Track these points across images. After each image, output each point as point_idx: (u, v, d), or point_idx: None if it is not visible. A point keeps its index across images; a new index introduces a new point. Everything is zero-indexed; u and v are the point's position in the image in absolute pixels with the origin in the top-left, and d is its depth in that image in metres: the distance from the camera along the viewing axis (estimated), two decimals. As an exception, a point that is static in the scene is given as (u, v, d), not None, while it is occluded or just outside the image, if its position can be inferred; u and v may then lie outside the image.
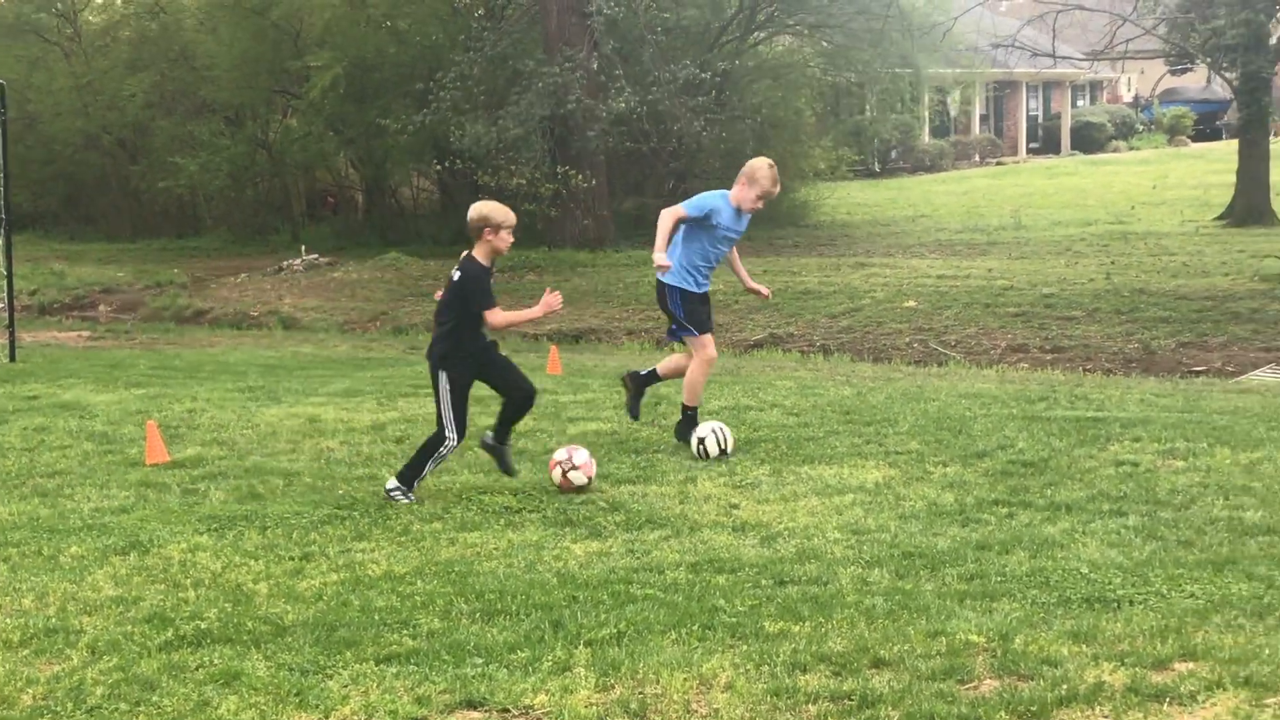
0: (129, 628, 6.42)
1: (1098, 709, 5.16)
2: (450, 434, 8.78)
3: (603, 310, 22.10)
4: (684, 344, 10.61)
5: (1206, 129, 57.34)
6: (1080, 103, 62.35)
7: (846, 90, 37.24)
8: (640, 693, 5.47)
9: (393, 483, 8.85)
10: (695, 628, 6.19)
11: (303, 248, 29.89)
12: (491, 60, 28.83)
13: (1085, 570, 6.90)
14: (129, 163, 37.88)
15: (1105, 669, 5.52)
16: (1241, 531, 7.60)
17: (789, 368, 16.19)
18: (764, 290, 11.26)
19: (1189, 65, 39.50)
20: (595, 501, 8.64)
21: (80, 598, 6.91)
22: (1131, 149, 56.20)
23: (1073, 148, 57.17)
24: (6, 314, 17.70)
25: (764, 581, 6.89)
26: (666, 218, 9.99)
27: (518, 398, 9.18)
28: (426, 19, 31.19)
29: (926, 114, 50.17)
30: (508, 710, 5.40)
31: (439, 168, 31.12)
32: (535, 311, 9.02)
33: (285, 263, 28.64)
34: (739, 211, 10.31)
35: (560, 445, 9.60)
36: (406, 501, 8.69)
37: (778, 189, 10.48)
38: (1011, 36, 34.42)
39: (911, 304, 20.84)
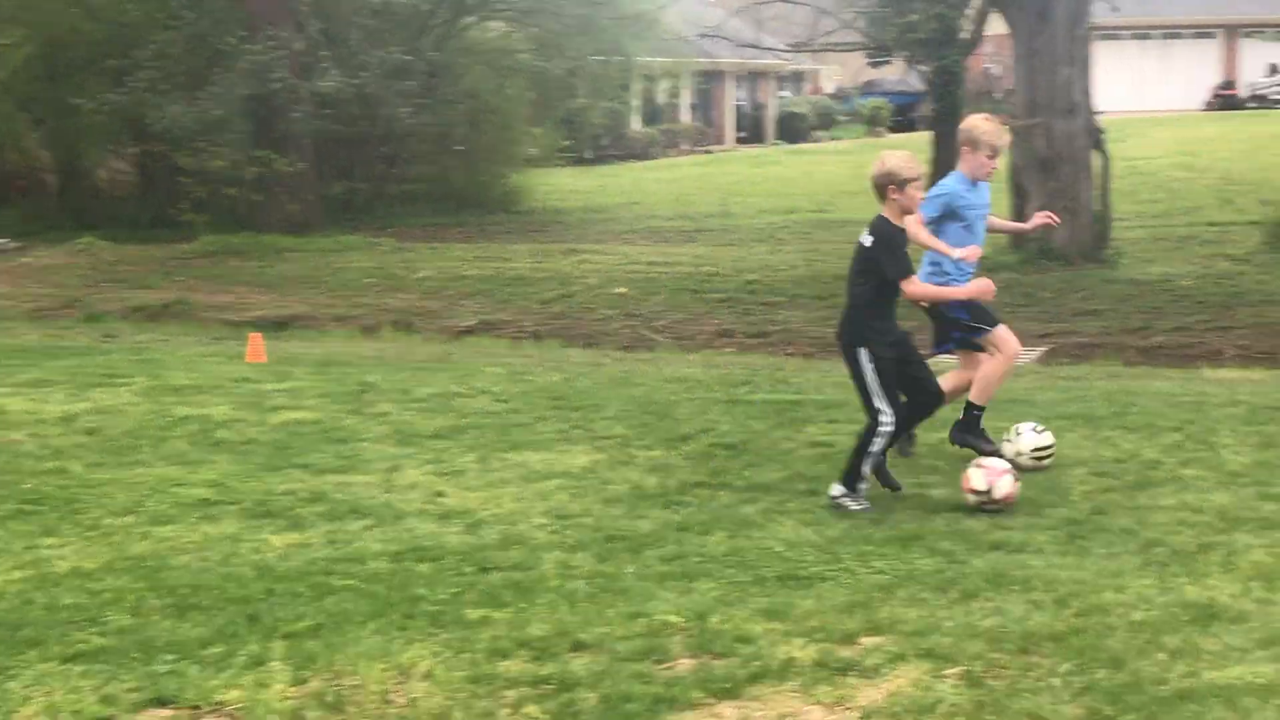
0: None
1: (787, 684, 5.30)
2: (886, 414, 7.88)
3: (309, 296, 21.70)
4: (965, 353, 9.31)
5: (904, 120, 59.40)
6: (785, 93, 63.96)
7: (558, 77, 37.34)
8: (337, 685, 5.39)
9: (837, 489, 7.94)
10: (396, 617, 6.13)
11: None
12: (191, 39, 28.03)
13: (780, 549, 7.08)
14: None
15: (796, 645, 5.68)
16: (928, 508, 7.90)
17: (499, 354, 16.17)
18: (1046, 218, 10.07)
19: (887, 58, 40.88)
20: (296, 492, 8.47)
21: None
22: (833, 139, 57.87)
23: (778, 137, 58.59)
24: None
25: (467, 569, 6.87)
26: (921, 231, 8.61)
27: (922, 400, 8.32)
28: (122, -5, 30.14)
29: (637, 102, 50.72)
30: (198, 707, 5.25)
31: (137, 149, 30.07)
32: (966, 290, 8.42)
33: (-17, 249, 27.32)
34: (974, 183, 9.03)
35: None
36: (858, 509, 7.80)
37: (1006, 137, 9.17)
38: (717, 27, 35.16)
39: (622, 290, 21.07)
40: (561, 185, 38.90)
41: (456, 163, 34.93)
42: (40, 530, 7.72)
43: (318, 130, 28.29)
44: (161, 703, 5.30)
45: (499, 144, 34.79)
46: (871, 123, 59.41)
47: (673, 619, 6.01)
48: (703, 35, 37.72)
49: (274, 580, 6.70)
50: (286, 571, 6.85)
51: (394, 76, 28.71)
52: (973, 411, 9.05)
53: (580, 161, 45.92)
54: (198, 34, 28.12)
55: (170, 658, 5.70)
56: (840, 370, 14.24)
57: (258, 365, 14.06)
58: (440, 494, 8.43)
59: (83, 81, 29.98)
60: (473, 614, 6.14)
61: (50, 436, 10.28)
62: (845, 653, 5.62)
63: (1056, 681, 5.25)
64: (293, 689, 5.37)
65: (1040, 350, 16.34)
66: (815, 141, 57.13)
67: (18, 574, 6.89)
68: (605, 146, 50.10)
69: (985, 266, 21.10)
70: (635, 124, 52.59)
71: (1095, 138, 21.48)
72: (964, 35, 33.44)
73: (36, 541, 7.49)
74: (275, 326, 19.40)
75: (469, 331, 19.10)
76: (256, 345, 14.78)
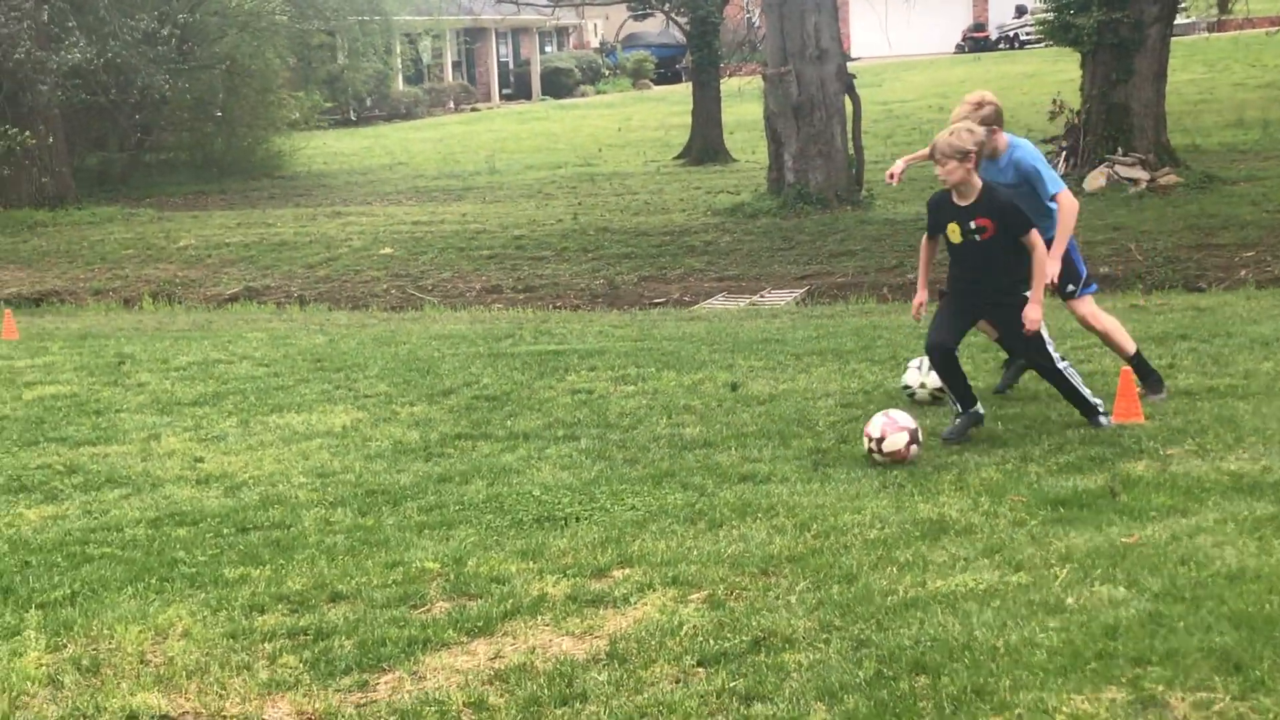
0: None
1: (540, 618, 5.49)
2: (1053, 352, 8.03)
3: (66, 270, 21.15)
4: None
5: (668, 73, 60.05)
6: (549, 49, 64.04)
7: (318, 40, 36.85)
8: (94, 649, 5.42)
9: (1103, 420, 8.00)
10: (154, 581, 6.16)
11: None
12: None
13: (538, 493, 7.27)
14: None
15: (549, 582, 5.88)
16: (681, 446, 8.17)
17: (263, 320, 16.04)
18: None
19: (648, 10, 41.19)
20: (52, 466, 8.38)
21: None
22: (599, 93, 58.21)
23: (544, 93, 58.67)
24: None
25: (226, 530, 6.91)
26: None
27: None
28: None
29: (400, 62, 50.29)
30: (-49, 680, 5.23)
31: None
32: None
33: None
34: (988, 165, 8.40)
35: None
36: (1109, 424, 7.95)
37: (973, 117, 8.30)
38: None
39: (388, 251, 21.01)
40: (325, 148, 38.49)
41: (215, 129, 34.29)
42: None
43: (66, 101, 27.47)
44: (-90, 679, 5.26)
45: (259, 108, 34.25)
46: (636, 76, 59.88)
47: (430, 566, 6.16)
48: (461, -8, 37.52)
49: (29, 553, 6.66)
50: (42, 543, 6.81)
51: (145, 43, 28.02)
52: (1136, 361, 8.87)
53: (344, 123, 45.44)
54: (-68, 3, 27.05)
55: (-78, 636, 5.65)
56: (606, 320, 14.56)
57: (10, 342, 13.73)
58: (200, 459, 8.42)
59: None
60: (231, 573, 6.21)
61: None
62: (596, 586, 5.84)
63: (793, 599, 5.53)
64: (48, 655, 5.37)
65: (799, 292, 16.82)
66: (581, 96, 57.36)
67: None
68: (369, 108, 49.65)
69: (748, 212, 21.53)
70: (399, 84, 52.15)
71: (847, 83, 22.05)
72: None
73: None
74: (31, 303, 18.92)
75: (233, 299, 18.86)
76: (9, 322, 14.43)
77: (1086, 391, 8.08)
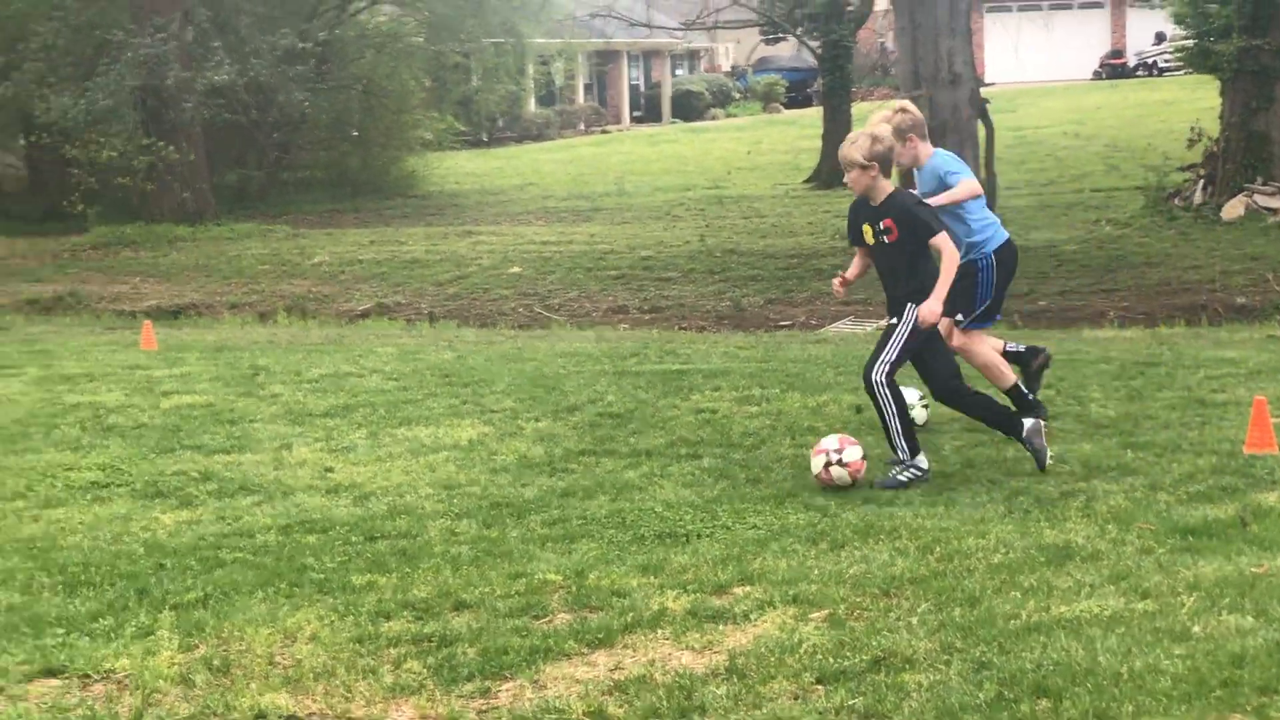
0: None
1: (660, 632, 5.54)
2: None
3: (204, 285, 21.66)
4: None
5: (798, 96, 59.92)
6: (680, 72, 64.27)
7: (453, 61, 37.37)
8: (224, 650, 5.55)
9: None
10: (283, 586, 6.29)
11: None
12: (77, 30, 27.76)
13: (660, 510, 7.32)
14: None
15: (669, 596, 5.92)
16: (804, 467, 8.15)
17: (393, 335, 16.28)
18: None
19: (781, 35, 41.23)
20: (188, 473, 8.59)
21: None
22: (729, 116, 58.27)
23: (674, 116, 58.86)
24: None
25: (354, 538, 7.04)
26: None
27: None
28: (6, -14, 29.74)
29: (532, 84, 50.80)
30: (89, 676, 5.39)
31: (25, 142, 29.74)
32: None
33: None
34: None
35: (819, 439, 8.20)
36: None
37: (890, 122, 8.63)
38: (609, 7, 35.32)
39: (517, 270, 21.23)
40: (458, 168, 38.97)
41: (351, 148, 34.88)
42: (-71, 518, 7.79)
43: (209, 119, 28.13)
44: (51, 673, 5.43)
45: (394, 128, 34.77)
46: (766, 99, 59.88)
47: (552, 578, 6.23)
48: (595, 16, 37.83)
49: (164, 555, 6.83)
50: (177, 547, 6.98)
51: (285, 62, 28.62)
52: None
53: (476, 144, 45.98)
54: (84, 24, 27.87)
55: (60, 631, 5.83)
56: (731, 341, 14.58)
57: (150, 353, 14.08)
58: (330, 469, 8.58)
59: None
60: (358, 580, 6.32)
61: (-61, 428, 10.29)
62: (717, 602, 5.86)
63: (914, 620, 5.52)
64: (181, 655, 5.52)
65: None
66: (711, 119, 57.47)
67: (-94, 561, 6.97)
68: (501, 129, 50.18)
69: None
70: (531, 106, 52.67)
71: (980, 108, 21.87)
72: (852, 9, 33.88)
73: (-74, 529, 7.56)
74: (169, 315, 19.39)
75: (364, 315, 19.18)
76: (149, 333, 14.80)
77: (896, 425, 7.83)
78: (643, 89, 61.57)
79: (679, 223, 26.33)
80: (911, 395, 8.63)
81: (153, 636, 5.72)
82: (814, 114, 42.12)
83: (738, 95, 61.97)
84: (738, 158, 39.39)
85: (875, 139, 7.83)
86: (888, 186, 7.90)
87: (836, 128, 33.02)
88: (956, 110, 21.59)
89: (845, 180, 7.98)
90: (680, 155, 41.74)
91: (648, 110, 60.57)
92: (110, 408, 10.78)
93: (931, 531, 6.73)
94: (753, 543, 6.70)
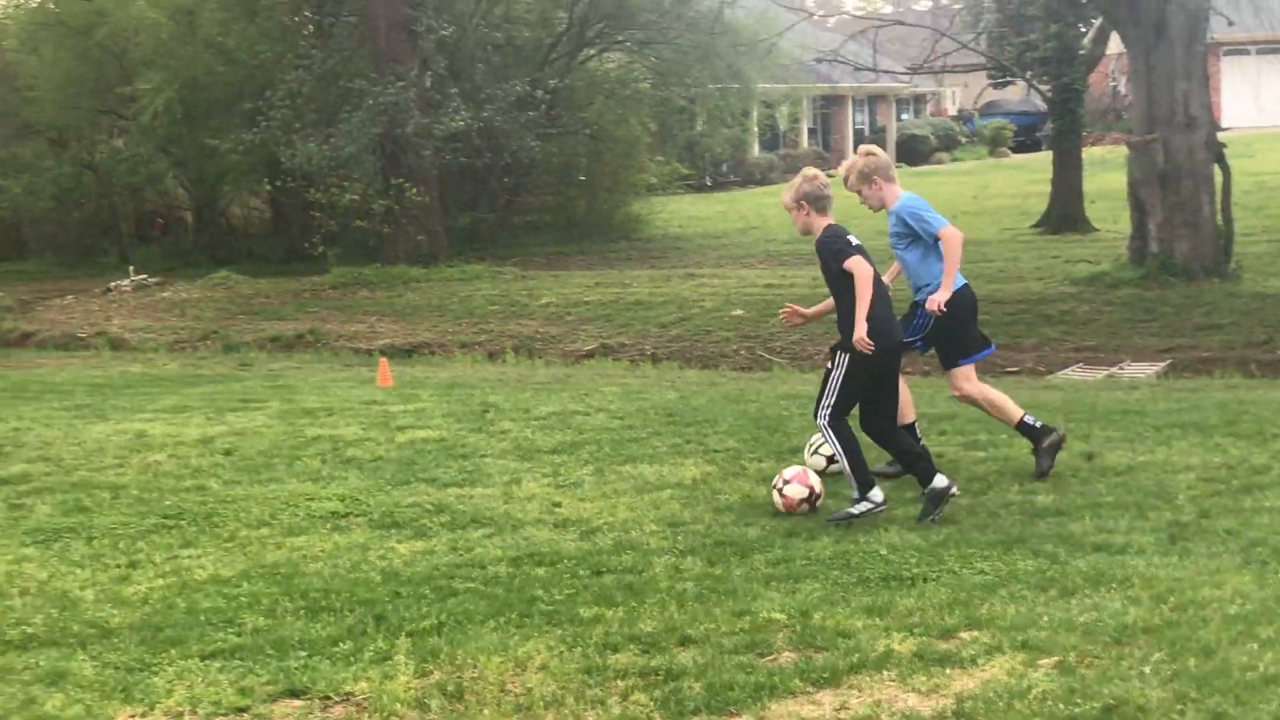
0: (-47, 636, 6.49)
1: (885, 674, 5.54)
2: None
3: (436, 324, 22.23)
4: None
5: (1026, 140, 59.01)
6: (905, 116, 63.89)
7: (677, 105, 37.76)
8: (458, 676, 5.72)
9: None
10: (514, 616, 6.46)
11: (131, 269, 29.53)
12: (321, 78, 28.81)
13: (884, 552, 7.30)
14: (-52, 186, 37.00)
15: (895, 638, 5.91)
16: (1033, 514, 8.06)
17: (618, 376, 16.50)
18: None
19: (1008, 79, 40.69)
20: (422, 505, 8.85)
21: (-97, 610, 6.95)
22: (955, 160, 57.68)
23: (899, 160, 58.47)
24: None
25: (581, 572, 7.18)
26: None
27: None
28: (255, 37, 31.00)
29: (756, 128, 51.00)
30: (329, 697, 5.61)
31: (270, 186, 30.93)
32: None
33: (113, 284, 28.26)
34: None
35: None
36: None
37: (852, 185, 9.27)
38: (835, 51, 35.29)
39: (739, 313, 21.30)
40: (681, 212, 39.28)
41: (578, 192, 35.44)
42: (180, 542, 8.18)
43: (444, 164, 28.90)
44: (294, 694, 5.68)
45: (620, 173, 35.24)
46: (994, 144, 59.12)
47: (777, 616, 6.27)
48: (820, 60, 37.79)
49: (400, 584, 7.06)
50: (412, 576, 7.21)
51: (518, 108, 29.27)
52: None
53: (700, 188, 46.28)
54: (327, 73, 28.91)
55: (302, 654, 6.08)
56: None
57: (386, 389, 14.54)
58: (557, 504, 8.76)
59: (219, 123, 30.96)
60: (586, 612, 6.45)
61: (189, 457, 10.79)
62: (943, 646, 5.84)
63: (1147, 669, 5.42)
64: (416, 680, 5.71)
65: (1160, 365, 16.31)
66: (937, 163, 56.96)
67: (160, 581, 7.33)
68: (725, 173, 50.45)
69: (1108, 282, 20.99)
70: (755, 150, 52.87)
71: (1216, 152, 21.31)
72: (1084, 52, 33.29)
73: (177, 552, 7.95)
74: (403, 353, 19.95)
75: (589, 355, 19.46)
76: (384, 370, 15.28)
77: (845, 463, 8.17)
78: (867, 133, 61.28)
79: (904, 267, 26.12)
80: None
81: (390, 661, 5.92)
82: (1043, 158, 41.40)
83: (964, 139, 61.33)
84: (963, 202, 38.90)
85: (805, 178, 8.39)
86: (822, 223, 8.32)
87: (1066, 172, 32.46)
88: (1191, 154, 21.08)
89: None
90: (905, 199, 41.36)
91: (872, 154, 60.20)
92: (349, 441, 11.17)
93: (1165, 581, 6.59)
94: (980, 588, 6.64)
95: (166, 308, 25.55)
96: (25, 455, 11.12)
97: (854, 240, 8.30)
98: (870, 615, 6.26)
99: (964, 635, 5.98)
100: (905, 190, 9.31)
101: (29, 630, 6.52)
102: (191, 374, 17.37)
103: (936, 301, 8.72)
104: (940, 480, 8.08)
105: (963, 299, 9.05)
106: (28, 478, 10.21)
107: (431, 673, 5.79)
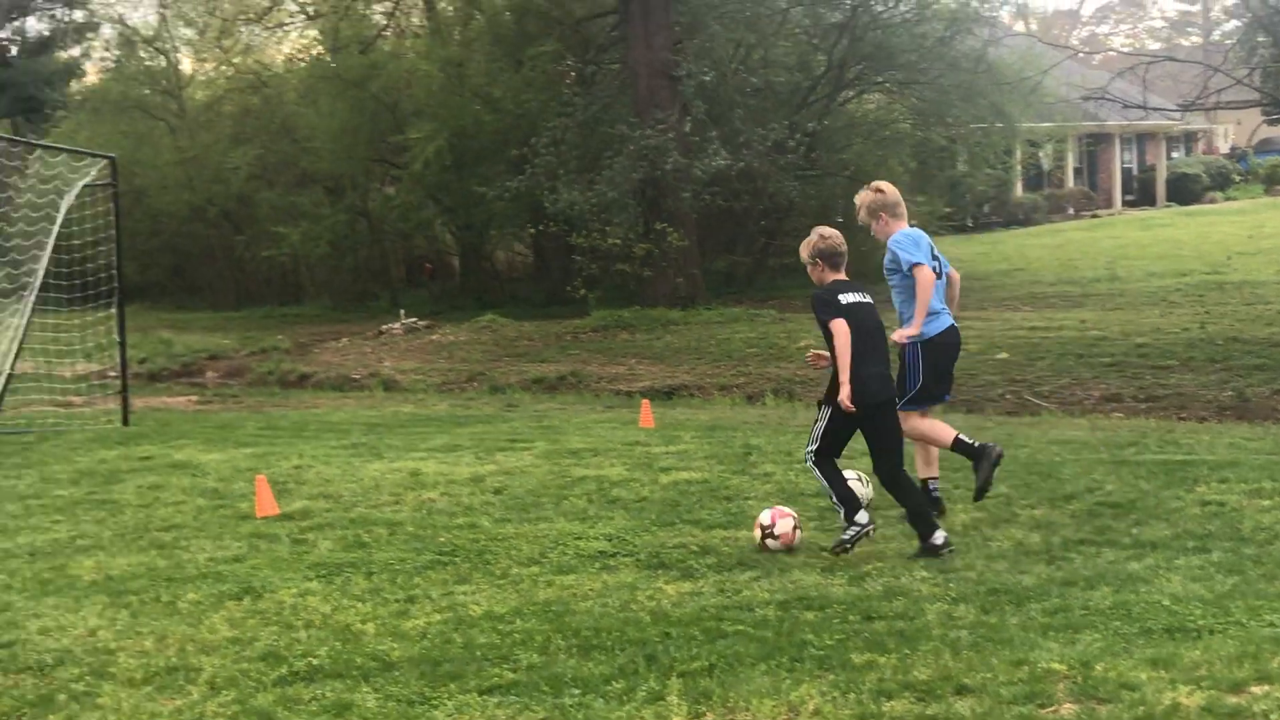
0: (245, 665, 6.77)
1: (1175, 728, 5.34)
2: None
3: (695, 366, 22.37)
4: None
5: (1305, 177, 56.77)
6: (1175, 154, 62.00)
7: (938, 145, 37.31)
8: (731, 719, 5.71)
9: None
10: (784, 660, 6.43)
11: (401, 312, 30.47)
12: (583, 125, 29.37)
13: (1167, 603, 7.06)
14: (233, 233, 38.74)
15: (1182, 692, 5.70)
16: (1327, 566, 7.71)
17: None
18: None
19: (1285, 114, 39.18)
20: (688, 546, 8.90)
21: (198, 639, 7.27)
22: (1228, 199, 55.75)
23: (1168, 199, 56.79)
24: (120, 380, 18.34)
25: (852, 617, 7.12)
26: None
27: None
28: (521, 87, 31.79)
29: (1019, 167, 50.12)
30: (603, 736, 5.67)
31: (533, 231, 31.61)
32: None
33: (385, 327, 29.22)
34: None
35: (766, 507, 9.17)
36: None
37: (862, 219, 10.04)
38: (1102, 89, 34.48)
39: (1004, 356, 20.91)
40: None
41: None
42: (455, 578, 8.37)
43: (703, 207, 29.12)
44: (569, 731, 5.74)
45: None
46: (1269, 181, 56.96)
47: (1056, 667, 6.11)
48: (1087, 98, 36.95)
49: (669, 624, 7.10)
50: (681, 617, 7.24)
51: (776, 152, 29.34)
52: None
53: (962, 229, 45.66)
54: (589, 120, 29.45)
55: (576, 692, 6.15)
56: (1235, 432, 13.90)
57: (648, 430, 14.67)
58: (824, 548, 8.69)
59: (485, 170, 31.79)
60: (858, 658, 6.38)
61: (461, 495, 11.05)
62: (1233, 699, 5.61)
63: None
64: (689, 721, 5.72)
65: None
66: (1209, 202, 55.11)
67: (437, 616, 7.51)
68: (987, 213, 49.67)
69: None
70: (1018, 190, 51.95)
71: None
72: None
73: (452, 588, 8.13)
74: (663, 395, 20.12)
75: (851, 398, 19.30)
76: (647, 411, 15.43)
77: (831, 495, 8.68)
78: (1135, 172, 59.69)
79: (1175, 309, 25.30)
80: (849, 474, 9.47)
81: (663, 701, 5.95)
82: (1323, 195, 39.77)
83: (1237, 178, 59.23)
84: (1238, 242, 37.54)
85: (820, 236, 8.86)
86: (828, 278, 8.78)
87: (1350, 209, 31.06)
88: None
89: None
90: (1175, 239, 40.16)
91: (1140, 194, 58.64)
92: (614, 481, 11.30)
93: None
94: (1270, 640, 6.37)
95: (435, 350, 26.28)
96: (306, 492, 11.55)
97: (853, 298, 8.74)
98: (1155, 667, 6.05)
99: (1254, 689, 5.74)
100: (911, 227, 9.83)
101: (314, 662, 6.75)
102: (460, 414, 17.81)
103: (901, 335, 9.27)
104: (938, 536, 8.44)
105: (941, 343, 9.49)
106: (309, 514, 10.59)
107: (704, 714, 5.80)
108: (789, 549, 8.62)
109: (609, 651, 6.71)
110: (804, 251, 8.95)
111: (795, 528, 8.75)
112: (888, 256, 9.64)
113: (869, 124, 34.39)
